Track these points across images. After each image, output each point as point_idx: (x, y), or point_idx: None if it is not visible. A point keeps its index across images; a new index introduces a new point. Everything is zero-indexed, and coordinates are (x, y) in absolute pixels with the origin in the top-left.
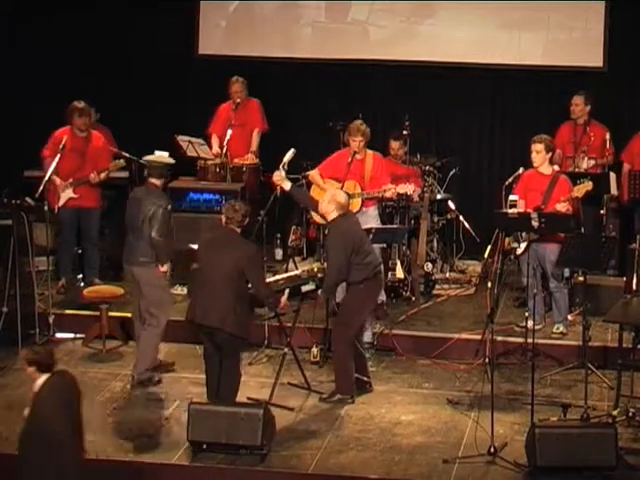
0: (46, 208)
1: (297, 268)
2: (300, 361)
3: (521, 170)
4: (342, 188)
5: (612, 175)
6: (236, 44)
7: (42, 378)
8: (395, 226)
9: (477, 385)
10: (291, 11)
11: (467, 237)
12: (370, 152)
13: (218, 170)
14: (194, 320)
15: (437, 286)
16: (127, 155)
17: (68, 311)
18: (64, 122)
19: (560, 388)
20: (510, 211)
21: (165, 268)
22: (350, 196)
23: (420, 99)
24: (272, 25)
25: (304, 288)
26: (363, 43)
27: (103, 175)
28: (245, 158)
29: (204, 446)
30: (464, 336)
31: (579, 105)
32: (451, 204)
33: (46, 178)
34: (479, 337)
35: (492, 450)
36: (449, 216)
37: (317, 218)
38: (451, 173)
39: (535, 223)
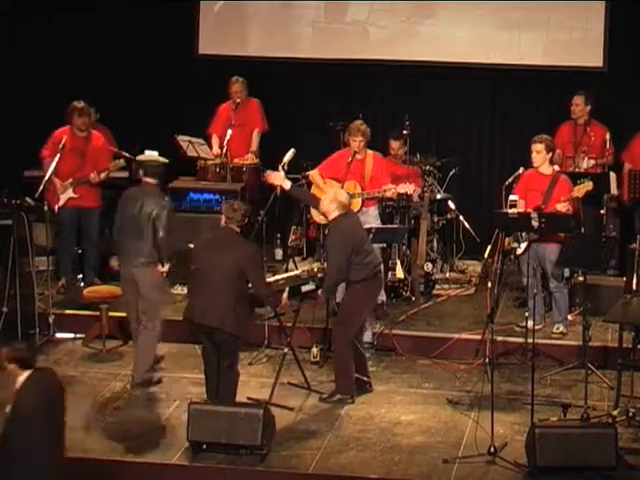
0: (46, 208)
1: (297, 268)
2: (300, 361)
3: (521, 170)
4: (342, 188)
5: (612, 175)
6: (236, 44)
7: (24, 375)
8: (395, 226)
9: (477, 385)
10: (291, 11)
11: (467, 237)
12: (370, 152)
13: (218, 170)
14: (193, 320)
15: (437, 286)
16: (127, 155)
17: (68, 311)
18: (64, 122)
19: (560, 388)
20: (510, 211)
21: (165, 268)
22: (350, 196)
23: (420, 99)
24: (272, 25)
25: (304, 288)
26: (363, 43)
27: (103, 175)
28: (245, 158)
29: (204, 446)
30: (464, 336)
31: (579, 105)
32: (451, 204)
33: (46, 178)
34: (479, 337)
35: (492, 450)
36: (449, 216)
37: (317, 218)
38: (451, 173)
39: (535, 223)
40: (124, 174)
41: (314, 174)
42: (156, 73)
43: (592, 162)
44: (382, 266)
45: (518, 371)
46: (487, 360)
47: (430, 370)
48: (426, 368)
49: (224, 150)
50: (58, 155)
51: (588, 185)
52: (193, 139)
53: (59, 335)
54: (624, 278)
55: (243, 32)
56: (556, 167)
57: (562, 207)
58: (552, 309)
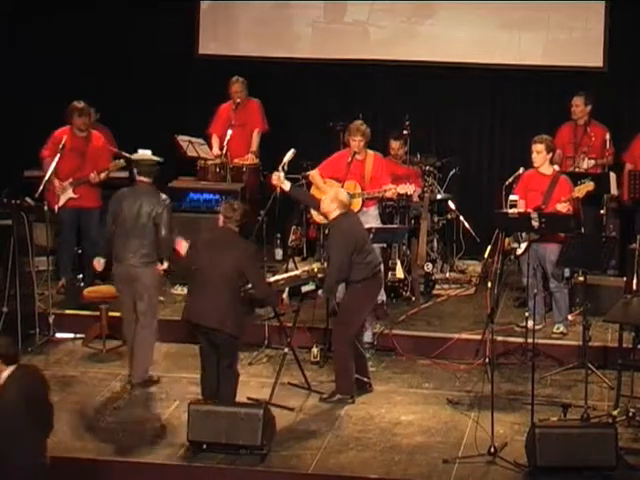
0: (46, 208)
1: (297, 268)
2: (300, 361)
3: (521, 170)
4: (342, 188)
5: (612, 175)
6: (236, 44)
7: (7, 371)
8: (395, 226)
9: (477, 385)
10: (291, 11)
11: (467, 237)
12: (370, 152)
13: (218, 170)
14: (190, 320)
15: (437, 286)
16: (127, 155)
17: (68, 311)
18: (64, 122)
19: (560, 388)
20: (510, 211)
21: (165, 266)
22: (350, 196)
23: (420, 99)
24: (272, 25)
25: (304, 288)
26: (363, 43)
27: (103, 175)
28: (245, 158)
29: (204, 446)
30: (464, 336)
31: (579, 106)
32: (451, 204)
33: (46, 178)
34: (479, 337)
35: (492, 450)
36: (449, 216)
37: (317, 218)
38: (451, 173)
39: (535, 223)
40: (124, 174)
41: (314, 174)
42: (156, 73)
43: (592, 162)
44: (382, 266)
45: (518, 371)
46: (487, 360)
47: (430, 370)
48: (426, 368)
49: (224, 150)
50: (58, 155)
51: (589, 185)
52: (193, 139)
53: (59, 335)
54: (624, 278)
55: (243, 32)
56: (556, 167)
57: (563, 207)
58: (552, 309)
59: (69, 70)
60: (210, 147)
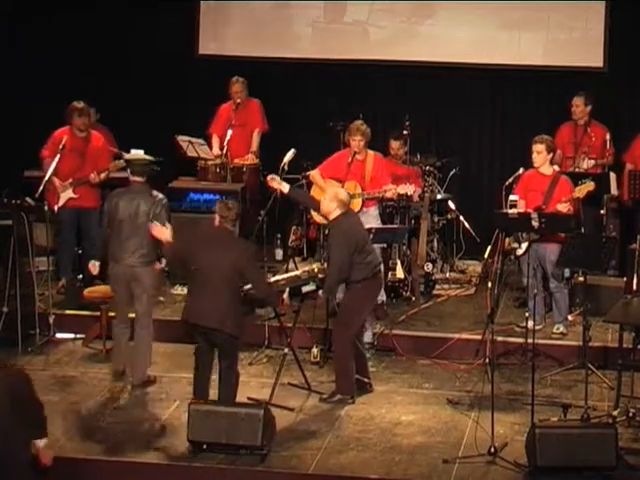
0: (46, 208)
1: (297, 268)
2: (300, 361)
3: (521, 170)
4: (342, 188)
5: (612, 175)
6: (236, 44)
7: None
8: (395, 226)
9: (477, 385)
10: (291, 11)
11: (467, 237)
12: (371, 152)
13: (218, 170)
14: (188, 320)
15: (437, 286)
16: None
17: (68, 311)
18: (64, 122)
19: (560, 388)
20: (510, 211)
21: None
22: (351, 196)
23: (420, 99)
24: (272, 25)
25: (304, 289)
26: (363, 43)
27: (103, 175)
28: (245, 158)
29: (204, 446)
30: (464, 336)
31: (579, 106)
32: (451, 204)
33: (46, 178)
34: (479, 337)
35: (492, 450)
36: (449, 216)
37: (317, 218)
38: (451, 173)
39: (535, 223)
40: (124, 174)
41: (315, 174)
42: (156, 73)
43: (592, 162)
44: (382, 266)
45: (518, 371)
46: (487, 360)
47: (430, 370)
48: (426, 368)
49: (224, 150)
50: (58, 155)
51: (590, 185)
52: (193, 139)
53: (59, 335)
54: (624, 278)
55: (243, 32)
56: (556, 167)
57: (563, 207)
58: (552, 309)
59: (69, 70)
60: (210, 147)
